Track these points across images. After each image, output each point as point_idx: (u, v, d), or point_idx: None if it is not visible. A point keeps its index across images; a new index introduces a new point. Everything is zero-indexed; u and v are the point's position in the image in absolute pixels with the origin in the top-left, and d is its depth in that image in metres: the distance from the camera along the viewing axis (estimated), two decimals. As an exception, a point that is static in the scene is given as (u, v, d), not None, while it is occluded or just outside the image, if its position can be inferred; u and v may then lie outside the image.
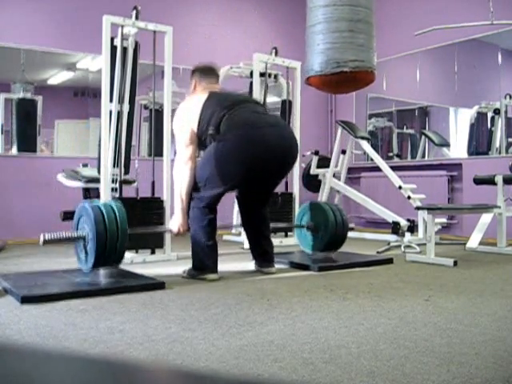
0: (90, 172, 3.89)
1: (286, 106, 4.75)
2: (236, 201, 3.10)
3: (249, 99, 2.98)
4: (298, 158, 3.47)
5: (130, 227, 3.34)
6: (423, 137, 5.78)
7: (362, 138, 5.19)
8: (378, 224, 5.66)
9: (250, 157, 2.62)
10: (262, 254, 2.99)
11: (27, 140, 4.96)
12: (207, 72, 2.98)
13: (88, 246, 2.48)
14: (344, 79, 3.65)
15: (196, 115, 2.72)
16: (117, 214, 2.49)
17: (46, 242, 2.49)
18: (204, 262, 2.74)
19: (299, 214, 3.49)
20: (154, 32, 3.58)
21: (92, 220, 2.42)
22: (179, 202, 2.76)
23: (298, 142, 2.93)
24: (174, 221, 2.81)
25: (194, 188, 2.77)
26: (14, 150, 4.90)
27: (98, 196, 3.62)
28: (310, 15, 3.77)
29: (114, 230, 2.44)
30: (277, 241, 3.45)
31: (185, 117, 2.78)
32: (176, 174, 2.76)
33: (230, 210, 4.80)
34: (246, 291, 2.42)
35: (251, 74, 4.58)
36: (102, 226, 2.42)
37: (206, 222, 2.73)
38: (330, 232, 3.24)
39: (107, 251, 2.43)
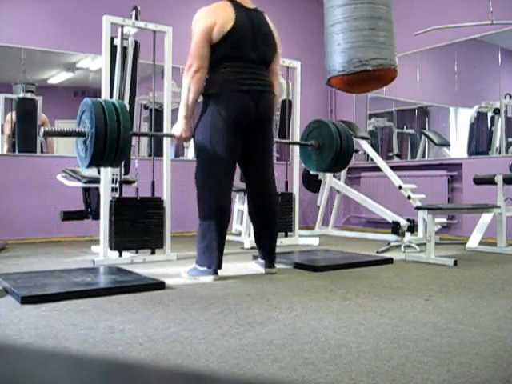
0: (90, 172, 3.88)
1: (286, 106, 4.76)
2: (239, 201, 3.08)
3: (254, 65, 2.86)
4: (299, 165, 3.46)
5: (130, 228, 3.36)
6: (423, 137, 5.78)
7: (362, 137, 5.19)
8: (377, 224, 5.67)
9: (233, 119, 2.72)
10: (267, 250, 2.97)
11: (27, 140, 4.96)
12: None
13: (87, 142, 2.44)
14: (367, 78, 3.63)
15: (223, 29, 2.69)
16: (119, 112, 2.44)
17: (46, 133, 2.46)
18: (209, 260, 2.73)
19: (305, 131, 3.47)
20: (154, 32, 3.58)
21: (93, 117, 2.37)
22: (184, 109, 2.75)
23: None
24: (177, 126, 2.82)
25: (201, 182, 2.78)
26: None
27: (98, 196, 3.62)
28: (328, 15, 3.76)
29: (114, 127, 2.40)
30: (277, 241, 3.44)
31: (212, 19, 2.72)
32: (185, 81, 2.74)
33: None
34: (246, 291, 2.43)
35: (251, 73, 4.58)
36: (103, 122, 2.37)
37: (217, 220, 2.72)
38: (334, 151, 3.22)
39: (107, 149, 2.38)
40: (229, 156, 2.76)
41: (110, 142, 2.40)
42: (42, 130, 2.47)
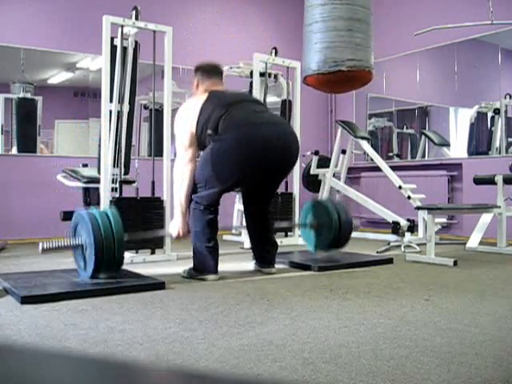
0: (89, 172, 3.88)
1: (286, 106, 4.75)
2: (239, 201, 3.09)
3: (248, 98, 2.97)
4: (299, 157, 3.45)
5: (130, 228, 3.35)
6: (423, 137, 5.78)
7: (362, 137, 5.19)
8: (377, 224, 5.66)
9: (247, 156, 2.61)
10: (263, 255, 2.99)
11: (27, 140, 4.96)
12: (210, 71, 2.94)
13: (86, 254, 2.47)
14: (341, 78, 3.64)
15: (195, 117, 2.71)
16: (112, 222, 2.47)
17: (44, 250, 2.49)
18: (204, 264, 2.74)
19: (304, 211, 3.48)
20: (154, 32, 3.58)
21: (89, 228, 2.40)
22: (179, 205, 2.74)
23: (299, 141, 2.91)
24: (174, 224, 2.80)
25: (194, 190, 2.77)
26: (14, 150, 4.90)
27: (98, 196, 3.62)
28: (307, 14, 3.77)
29: (110, 237, 2.42)
30: (277, 241, 3.44)
31: (184, 119, 2.77)
32: (176, 176, 2.75)
33: (230, 210, 4.80)
34: (246, 291, 2.42)
35: (251, 73, 4.58)
36: (99, 234, 2.40)
37: (206, 223, 2.73)
38: (333, 231, 3.23)
39: (106, 259, 2.41)
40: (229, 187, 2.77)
41: (106, 249, 2.41)
42: (40, 246, 2.48)
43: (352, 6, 3.58)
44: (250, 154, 2.61)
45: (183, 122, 2.76)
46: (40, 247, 2.49)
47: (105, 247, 2.40)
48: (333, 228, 3.22)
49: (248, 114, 2.70)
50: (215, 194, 2.70)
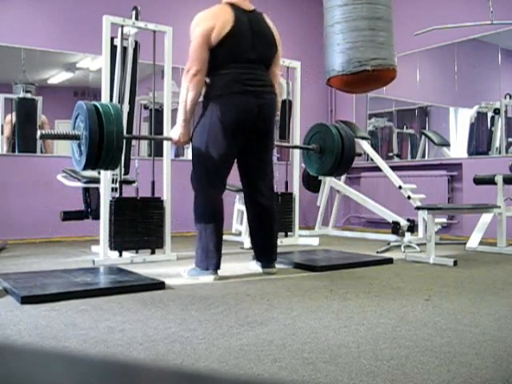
0: (90, 172, 3.88)
1: (286, 106, 4.76)
2: (239, 201, 3.07)
3: (255, 66, 2.86)
4: (299, 165, 3.43)
5: (130, 228, 3.36)
6: (423, 137, 5.78)
7: (362, 137, 5.19)
8: (377, 224, 5.66)
9: (233, 121, 2.72)
10: (263, 252, 2.98)
11: (27, 140, 4.95)
12: None
13: (82, 145, 2.44)
14: (366, 78, 3.63)
15: (221, 32, 2.69)
16: (113, 114, 2.44)
17: (42, 135, 2.48)
18: (206, 262, 2.74)
19: (307, 135, 3.45)
20: (154, 32, 3.58)
21: (87, 119, 2.37)
22: (182, 113, 2.76)
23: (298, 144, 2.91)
24: (175, 129, 2.82)
25: (196, 186, 2.78)
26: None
27: (98, 196, 3.62)
28: (327, 15, 3.75)
29: (108, 129, 2.40)
30: (277, 241, 3.45)
31: (210, 23, 2.72)
32: (184, 84, 2.75)
33: (230, 210, 4.80)
34: (246, 291, 2.42)
35: (251, 73, 4.58)
36: (97, 126, 2.37)
37: (211, 222, 2.73)
38: (335, 155, 3.21)
39: (103, 152, 2.38)
40: (223, 160, 2.77)
41: (105, 145, 2.39)
42: (39, 132, 2.48)
43: (373, 5, 3.57)
44: (235, 119, 2.72)
45: (208, 26, 2.72)
46: (38, 133, 2.49)
47: (105, 141, 2.37)
48: (335, 154, 3.20)
49: (246, 80, 2.74)
50: (216, 171, 2.74)
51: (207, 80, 2.81)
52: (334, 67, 3.69)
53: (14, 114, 4.91)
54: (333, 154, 3.22)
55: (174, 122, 2.94)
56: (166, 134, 3.57)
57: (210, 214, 2.76)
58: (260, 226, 2.96)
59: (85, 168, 2.46)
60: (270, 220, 2.96)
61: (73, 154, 2.58)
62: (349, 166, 3.34)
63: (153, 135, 3.52)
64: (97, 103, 2.53)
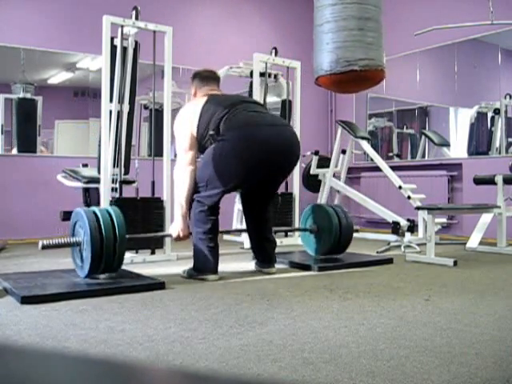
0: (89, 172, 3.88)
1: (286, 106, 4.75)
2: (239, 201, 3.08)
3: (248, 99, 2.98)
4: (299, 165, 3.45)
5: (130, 228, 3.35)
6: (423, 137, 5.78)
7: (362, 138, 5.19)
8: (377, 224, 5.66)
9: (248, 156, 2.61)
10: (263, 255, 2.99)
11: (27, 140, 4.96)
12: (207, 78, 2.97)
13: (83, 253, 2.46)
14: (354, 78, 3.64)
15: (195, 119, 2.72)
16: (114, 219, 2.47)
17: (44, 247, 2.50)
18: (205, 263, 2.74)
19: (304, 216, 3.48)
20: (154, 32, 3.58)
21: (86, 226, 2.39)
22: (179, 208, 2.75)
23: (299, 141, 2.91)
24: (174, 226, 2.80)
25: (195, 190, 2.78)
26: (14, 150, 4.90)
27: (98, 196, 3.62)
28: (317, 14, 3.76)
29: (110, 236, 2.41)
30: (277, 241, 3.45)
31: (184, 122, 2.78)
32: (176, 178, 2.76)
33: (231, 210, 4.80)
34: (246, 291, 2.42)
35: (251, 73, 4.58)
36: (98, 233, 2.39)
37: (207, 224, 2.73)
38: (333, 236, 3.23)
39: (104, 258, 2.40)
40: (231, 185, 2.74)
41: (106, 248, 2.39)
42: (40, 244, 2.49)
43: (363, 5, 3.58)
44: (251, 155, 2.61)
45: (183, 125, 2.77)
46: (40, 244, 2.50)
47: (104, 246, 2.39)
48: (333, 233, 3.22)
49: (250, 114, 2.71)
50: (217, 194, 2.70)
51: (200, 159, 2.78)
52: (322, 66, 3.70)
53: (13, 113, 4.91)
54: (331, 234, 3.23)
55: (174, 122, 2.93)
56: (165, 134, 3.58)
57: (205, 221, 2.74)
58: (259, 232, 2.99)
59: (88, 275, 2.45)
60: (268, 226, 2.99)
61: (73, 259, 2.59)
62: (348, 245, 3.35)
63: (152, 235, 3.46)
64: (96, 209, 2.52)
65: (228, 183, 2.68)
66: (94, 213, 2.46)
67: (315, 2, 3.80)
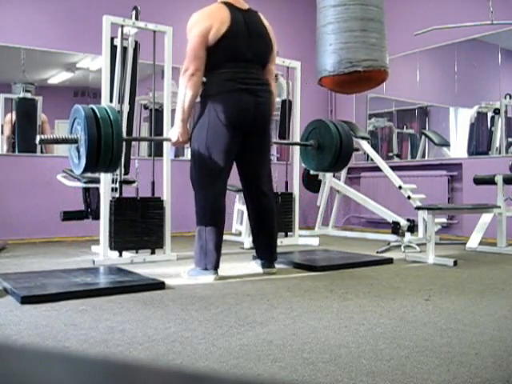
0: (89, 172, 3.88)
1: (286, 106, 4.76)
2: (239, 201, 3.07)
3: (251, 65, 2.88)
4: (299, 165, 3.41)
5: (130, 228, 3.36)
6: (423, 137, 5.78)
7: (362, 137, 5.19)
8: (377, 224, 5.66)
9: (231, 119, 2.72)
10: (264, 251, 2.97)
11: (27, 140, 4.95)
12: None
13: (80, 149, 2.43)
14: (357, 79, 3.64)
15: (218, 32, 2.70)
16: (111, 117, 2.43)
17: (41, 141, 2.48)
18: (206, 262, 2.74)
19: (305, 131, 3.45)
20: (154, 32, 3.58)
21: (84, 122, 2.36)
22: (180, 113, 2.75)
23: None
24: (174, 130, 2.82)
25: (196, 186, 2.78)
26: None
27: (98, 196, 3.62)
28: (319, 16, 3.76)
29: (109, 133, 2.39)
30: (277, 241, 3.45)
31: (207, 23, 2.73)
32: (181, 84, 2.74)
33: (231, 210, 4.80)
34: (246, 291, 2.43)
35: (251, 73, 4.58)
36: (95, 129, 2.36)
37: (212, 221, 2.73)
38: (333, 151, 3.20)
39: (101, 154, 2.37)
40: (224, 159, 2.76)
41: (103, 147, 2.39)
42: (38, 138, 2.48)
43: (365, 6, 3.59)
44: (234, 118, 2.73)
45: (204, 26, 2.73)
46: (37, 139, 2.49)
47: (103, 143, 2.37)
48: (333, 150, 3.20)
49: (242, 79, 2.75)
50: (217, 159, 2.73)
51: (204, 79, 2.81)
52: (325, 67, 3.71)
53: (13, 113, 4.91)
54: (331, 149, 3.22)
55: (173, 122, 2.93)
56: (165, 134, 3.58)
57: (210, 214, 2.75)
58: (261, 225, 2.96)
59: (84, 171, 2.45)
60: (270, 220, 2.96)
61: (71, 158, 2.58)
62: (347, 162, 3.34)
63: (152, 136, 3.51)
64: (94, 106, 2.52)
65: (223, 151, 2.73)
66: (93, 110, 2.45)
67: (318, 4, 3.80)
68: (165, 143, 3.59)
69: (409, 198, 4.58)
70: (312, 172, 5.25)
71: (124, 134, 3.54)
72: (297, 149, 4.50)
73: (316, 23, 3.95)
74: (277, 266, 3.01)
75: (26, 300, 2.13)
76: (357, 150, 3.70)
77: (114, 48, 3.44)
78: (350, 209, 6.22)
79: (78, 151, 2.45)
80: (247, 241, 4.19)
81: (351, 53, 3.58)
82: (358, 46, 3.59)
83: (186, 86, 2.72)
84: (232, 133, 2.75)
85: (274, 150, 5.81)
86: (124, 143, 3.53)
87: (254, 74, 2.81)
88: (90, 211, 3.92)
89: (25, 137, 4.97)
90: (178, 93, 2.77)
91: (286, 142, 4.67)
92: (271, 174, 3.03)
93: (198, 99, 2.84)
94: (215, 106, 2.73)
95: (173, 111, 3.57)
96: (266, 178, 2.97)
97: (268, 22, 3.03)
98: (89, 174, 3.82)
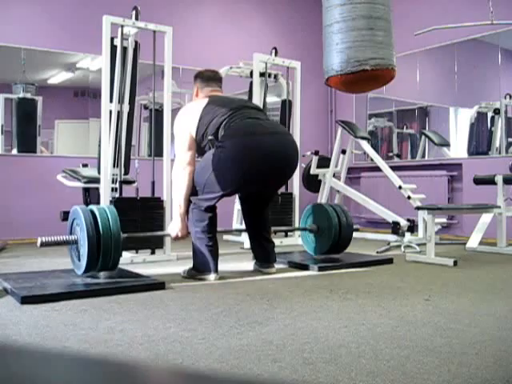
0: (89, 172, 3.88)
1: (286, 106, 4.76)
2: (238, 201, 3.08)
3: (249, 105, 2.95)
4: (299, 165, 3.45)
5: (130, 228, 3.35)
6: (423, 137, 5.78)
7: (362, 138, 5.19)
8: (377, 224, 5.66)
9: (247, 165, 2.61)
10: (263, 254, 3.00)
11: (27, 140, 4.96)
12: (209, 79, 2.97)
13: (80, 250, 2.47)
14: (365, 78, 3.63)
15: (195, 121, 2.72)
16: (109, 219, 2.47)
17: (42, 244, 2.51)
18: (204, 263, 2.74)
19: (304, 215, 3.47)
20: (154, 32, 3.58)
21: (83, 223, 2.41)
22: (178, 207, 2.76)
23: (298, 145, 2.92)
24: (173, 225, 2.81)
25: (193, 192, 2.78)
26: (14, 150, 4.90)
27: (98, 196, 3.62)
28: (326, 15, 3.75)
29: (108, 234, 2.43)
30: (277, 241, 3.45)
31: (184, 122, 2.78)
32: (174, 178, 2.76)
33: (230, 210, 4.80)
34: (246, 291, 2.43)
35: (251, 73, 4.58)
36: (94, 231, 2.40)
37: (206, 222, 2.73)
38: (333, 236, 3.23)
39: (101, 256, 2.41)
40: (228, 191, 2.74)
41: (103, 245, 2.40)
42: (39, 240, 2.51)
43: (372, 5, 3.58)
44: (251, 165, 2.61)
45: (183, 125, 2.78)
46: (39, 241, 2.51)
47: (102, 244, 2.39)
48: (332, 233, 3.22)
49: (250, 122, 2.70)
50: (214, 198, 2.70)
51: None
52: (332, 67, 3.70)
53: (13, 113, 4.91)
54: (330, 232, 3.23)
55: (174, 122, 2.93)
56: (165, 134, 3.58)
57: (204, 220, 2.75)
58: (258, 231, 2.99)
59: (85, 271, 2.46)
60: (266, 224, 3.00)
61: (71, 258, 2.61)
62: (347, 244, 3.35)
63: (149, 234, 3.47)
64: (93, 207, 2.54)
65: (226, 189, 2.68)
66: (92, 211, 2.48)
67: (324, 3, 3.79)
68: (165, 143, 3.59)
69: (409, 198, 4.58)
70: (312, 172, 5.25)
71: (124, 134, 3.55)
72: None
73: (320, 23, 3.94)
74: (277, 266, 3.01)
75: (26, 300, 2.12)
76: (357, 230, 3.71)
77: (114, 48, 3.44)
78: (350, 209, 6.22)
79: (79, 251, 2.49)
80: (247, 241, 4.18)
81: (359, 51, 3.57)
82: (366, 44, 3.57)
83: (182, 176, 2.72)
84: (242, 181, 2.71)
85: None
86: (124, 143, 3.54)
87: (259, 115, 2.81)
88: (90, 211, 3.92)
89: (25, 137, 4.97)
90: (173, 185, 2.77)
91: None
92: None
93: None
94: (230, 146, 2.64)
95: (173, 111, 3.57)
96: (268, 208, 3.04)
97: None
98: (89, 174, 3.82)
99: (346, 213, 3.34)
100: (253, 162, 2.60)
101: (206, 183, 2.67)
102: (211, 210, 2.76)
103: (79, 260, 2.49)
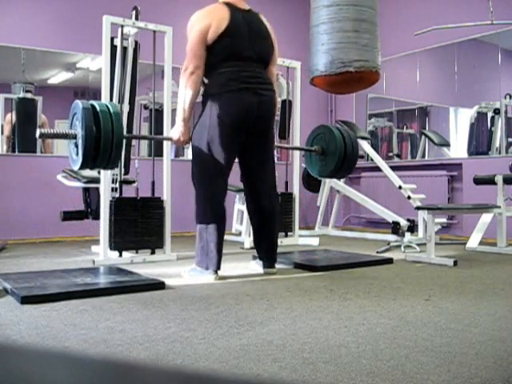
0: (90, 172, 3.89)
1: (286, 106, 4.76)
2: (239, 201, 3.06)
3: (253, 64, 2.84)
4: (299, 165, 3.40)
5: (130, 228, 3.36)
6: (423, 137, 5.78)
7: (362, 137, 5.19)
8: (378, 224, 5.66)
9: (233, 119, 2.72)
10: (265, 251, 2.97)
11: (27, 140, 4.95)
12: None
13: (78, 144, 2.44)
14: (349, 79, 3.66)
15: (214, 34, 2.70)
16: (111, 112, 2.43)
17: (41, 135, 2.49)
18: (207, 261, 2.74)
19: (310, 136, 3.44)
20: (154, 32, 3.58)
21: (82, 118, 2.37)
22: (181, 112, 2.76)
23: (298, 145, 2.90)
24: (175, 129, 2.82)
25: (197, 185, 2.78)
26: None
27: (98, 196, 3.62)
28: (313, 15, 3.78)
29: (108, 128, 2.40)
30: (277, 241, 3.45)
31: (207, 18, 2.73)
32: (182, 83, 2.74)
33: (230, 210, 4.80)
34: (246, 291, 2.42)
35: (251, 73, 4.58)
36: (92, 124, 2.36)
37: (213, 221, 2.73)
38: (337, 157, 3.19)
39: (100, 151, 2.38)
40: (225, 157, 2.75)
41: (102, 144, 2.39)
42: (38, 131, 2.49)
43: (359, 7, 3.60)
44: (236, 117, 2.73)
45: (205, 20, 2.73)
46: (38, 132, 2.50)
47: (102, 138, 2.37)
48: (337, 155, 3.19)
49: (245, 77, 2.75)
50: (218, 159, 2.72)
51: (205, 80, 2.81)
52: (317, 67, 3.72)
53: (13, 113, 4.91)
54: (335, 156, 3.21)
55: (173, 122, 2.94)
56: (165, 134, 3.57)
57: (211, 214, 2.75)
58: (261, 226, 2.96)
59: (81, 167, 2.46)
60: (270, 220, 2.95)
61: (70, 153, 2.59)
62: (351, 169, 3.33)
63: (152, 135, 3.51)
64: (94, 102, 2.53)
65: (223, 151, 2.72)
66: (92, 105, 2.45)
67: (311, 3, 3.82)
68: (165, 143, 3.59)
69: (409, 197, 4.58)
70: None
71: (124, 133, 3.55)
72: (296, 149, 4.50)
73: (310, 23, 3.96)
74: (277, 266, 3.01)
75: (26, 300, 2.12)
76: (362, 156, 3.69)
77: (114, 48, 3.44)
78: (350, 209, 6.22)
79: (77, 147, 2.46)
80: (247, 241, 4.19)
81: (343, 53, 3.60)
82: (351, 46, 3.60)
83: (187, 84, 2.72)
84: (233, 132, 2.75)
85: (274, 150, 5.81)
86: (124, 141, 3.54)
87: (256, 73, 2.81)
88: (90, 211, 3.92)
89: (25, 137, 4.97)
90: (179, 92, 2.77)
91: (291, 147, 4.64)
92: (275, 173, 3.02)
93: (200, 99, 2.84)
94: (217, 106, 2.72)
95: (173, 111, 3.57)
96: (269, 176, 2.97)
97: (268, 22, 3.03)
98: (89, 174, 3.82)
99: (352, 137, 3.29)
100: (238, 115, 2.74)
101: (208, 140, 2.72)
102: (218, 201, 2.76)
103: (76, 155, 2.46)
